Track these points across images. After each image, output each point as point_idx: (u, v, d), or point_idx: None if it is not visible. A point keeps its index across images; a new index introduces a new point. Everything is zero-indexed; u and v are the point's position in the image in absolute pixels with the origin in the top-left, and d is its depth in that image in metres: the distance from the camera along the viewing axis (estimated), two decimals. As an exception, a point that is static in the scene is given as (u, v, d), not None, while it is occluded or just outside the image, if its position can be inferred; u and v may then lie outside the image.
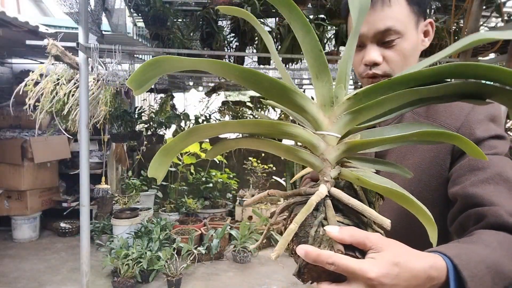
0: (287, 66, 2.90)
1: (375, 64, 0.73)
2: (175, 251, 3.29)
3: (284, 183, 5.12)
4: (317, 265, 0.42)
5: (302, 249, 0.42)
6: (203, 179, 4.97)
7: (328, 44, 2.87)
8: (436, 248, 0.49)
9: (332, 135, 0.47)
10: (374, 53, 0.73)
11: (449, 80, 0.44)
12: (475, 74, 0.42)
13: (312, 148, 0.48)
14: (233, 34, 2.72)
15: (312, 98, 0.50)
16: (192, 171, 5.04)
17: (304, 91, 0.97)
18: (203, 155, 4.77)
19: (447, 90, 0.44)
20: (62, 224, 4.33)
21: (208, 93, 5.18)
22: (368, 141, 0.47)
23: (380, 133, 0.51)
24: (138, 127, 4.33)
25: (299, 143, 0.51)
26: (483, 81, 0.43)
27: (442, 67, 0.42)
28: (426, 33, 0.78)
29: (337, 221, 0.44)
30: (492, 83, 0.43)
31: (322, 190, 0.45)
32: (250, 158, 5.18)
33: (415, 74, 0.43)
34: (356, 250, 0.44)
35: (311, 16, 2.84)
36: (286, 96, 0.45)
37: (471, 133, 0.69)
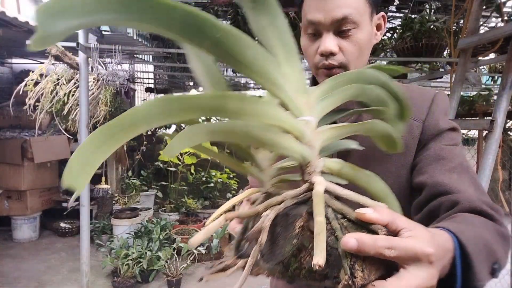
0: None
1: (331, 54, 0.71)
2: (175, 251, 3.29)
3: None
4: (366, 257, 0.36)
5: (354, 238, 0.34)
6: (203, 179, 4.97)
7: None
8: (436, 224, 0.50)
9: (312, 121, 0.43)
10: (330, 42, 0.70)
11: None
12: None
13: (298, 135, 0.41)
14: (233, 34, 2.72)
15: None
16: (192, 171, 5.04)
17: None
18: (203, 155, 4.77)
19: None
20: (62, 224, 4.33)
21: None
22: (352, 125, 0.45)
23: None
24: (138, 127, 4.32)
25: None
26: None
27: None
28: (378, 27, 0.78)
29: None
30: None
31: (321, 180, 0.40)
32: (250, 158, 5.18)
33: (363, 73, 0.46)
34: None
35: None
36: (268, 71, 0.38)
37: (436, 124, 0.72)
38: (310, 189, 0.41)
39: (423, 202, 0.67)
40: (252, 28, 0.42)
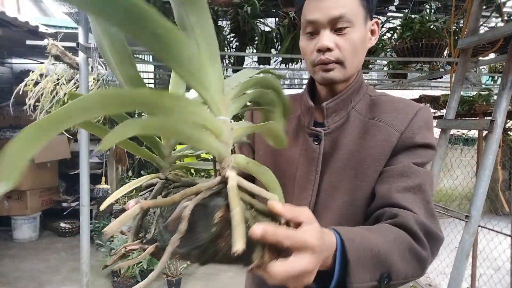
0: (287, 66, 2.89)
1: (328, 50, 0.75)
2: (175, 251, 3.29)
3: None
4: (271, 243, 0.42)
5: (260, 228, 0.40)
6: (203, 178, 4.97)
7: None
8: (336, 227, 0.57)
9: (228, 120, 0.47)
10: (327, 38, 0.75)
11: None
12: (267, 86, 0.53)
13: (217, 134, 0.45)
14: (233, 34, 2.71)
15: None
16: (192, 171, 5.04)
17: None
18: (203, 155, 4.77)
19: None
20: (62, 224, 4.33)
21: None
22: (256, 126, 0.53)
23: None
24: (138, 127, 4.32)
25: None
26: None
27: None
28: (372, 32, 0.83)
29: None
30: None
31: (234, 175, 0.44)
32: (250, 158, 5.18)
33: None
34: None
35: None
36: (199, 72, 0.41)
37: (412, 137, 0.75)
38: (223, 181, 0.45)
39: (373, 210, 0.74)
40: (178, 24, 0.43)
